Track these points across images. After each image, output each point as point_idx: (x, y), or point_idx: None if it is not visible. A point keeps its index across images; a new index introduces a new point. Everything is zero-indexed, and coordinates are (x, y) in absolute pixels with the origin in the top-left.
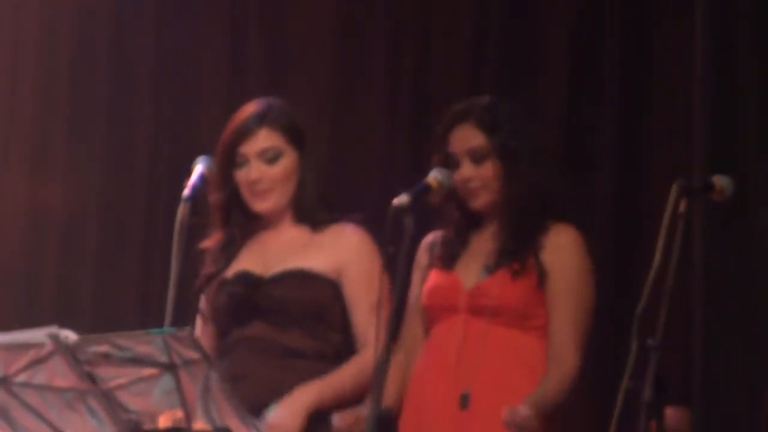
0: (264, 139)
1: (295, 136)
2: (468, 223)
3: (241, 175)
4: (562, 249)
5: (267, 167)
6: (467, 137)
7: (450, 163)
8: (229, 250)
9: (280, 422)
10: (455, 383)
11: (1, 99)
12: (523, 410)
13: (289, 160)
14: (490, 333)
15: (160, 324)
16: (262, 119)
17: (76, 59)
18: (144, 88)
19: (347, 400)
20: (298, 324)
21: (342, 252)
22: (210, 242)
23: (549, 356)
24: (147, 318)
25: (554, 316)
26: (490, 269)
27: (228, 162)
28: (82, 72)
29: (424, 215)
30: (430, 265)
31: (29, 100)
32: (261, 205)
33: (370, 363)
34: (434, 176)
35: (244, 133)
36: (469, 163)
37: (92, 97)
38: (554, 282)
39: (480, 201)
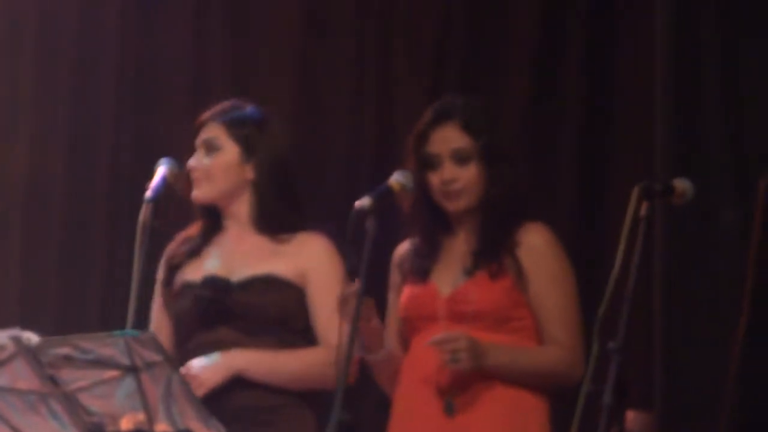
0: (207, 130)
1: (239, 134)
2: (439, 228)
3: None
4: (537, 249)
5: (204, 157)
6: (451, 138)
7: (430, 163)
8: (196, 244)
9: (200, 373)
10: (438, 391)
11: None
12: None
13: (226, 155)
14: None
15: (122, 326)
16: (214, 114)
17: (39, 61)
18: (107, 89)
19: (278, 383)
20: (264, 329)
21: (306, 259)
22: (187, 232)
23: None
24: (109, 320)
25: (542, 315)
26: (470, 272)
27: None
28: (45, 76)
29: (388, 219)
30: (403, 282)
31: None
32: (193, 193)
33: (319, 361)
34: (396, 179)
35: (199, 126)
36: (452, 164)
37: (54, 98)
38: (535, 284)
39: (461, 203)
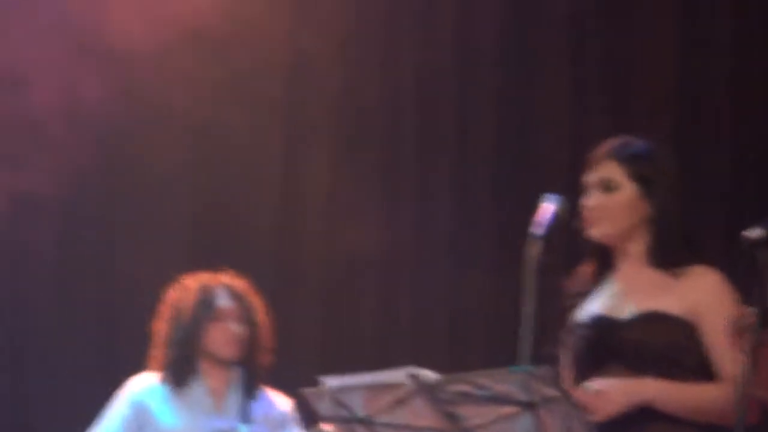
0: (602, 169)
1: (636, 171)
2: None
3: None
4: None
5: (602, 195)
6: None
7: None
8: (588, 284)
9: (610, 391)
10: None
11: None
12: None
13: (625, 193)
14: None
15: (510, 364)
16: (608, 152)
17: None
18: (488, 117)
19: (683, 415)
20: (655, 367)
21: (699, 293)
22: (581, 271)
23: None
24: (495, 357)
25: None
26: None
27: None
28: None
29: None
30: None
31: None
32: (589, 232)
33: (721, 396)
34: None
35: (590, 164)
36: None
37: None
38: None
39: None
